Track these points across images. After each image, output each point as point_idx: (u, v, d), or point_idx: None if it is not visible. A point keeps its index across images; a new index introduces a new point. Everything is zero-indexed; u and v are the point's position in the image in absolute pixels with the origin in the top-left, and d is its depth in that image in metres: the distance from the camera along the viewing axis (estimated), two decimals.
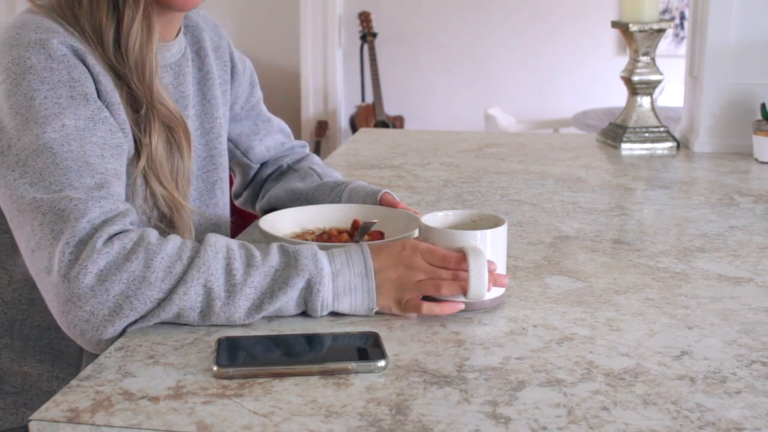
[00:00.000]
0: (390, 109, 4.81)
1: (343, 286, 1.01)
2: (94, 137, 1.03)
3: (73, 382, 0.87)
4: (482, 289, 1.00)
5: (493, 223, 1.10)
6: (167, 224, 1.17)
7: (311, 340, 0.97)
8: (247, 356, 0.92)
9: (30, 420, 0.80)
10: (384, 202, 1.33)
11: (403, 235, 1.18)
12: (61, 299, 0.95)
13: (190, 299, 0.96)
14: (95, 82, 1.08)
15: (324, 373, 0.89)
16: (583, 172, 1.86)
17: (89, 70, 1.07)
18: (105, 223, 0.97)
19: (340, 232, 1.26)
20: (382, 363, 0.90)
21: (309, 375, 0.89)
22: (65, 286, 0.94)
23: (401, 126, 4.80)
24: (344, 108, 4.92)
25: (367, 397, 0.84)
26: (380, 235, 1.24)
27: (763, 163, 1.95)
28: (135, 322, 0.97)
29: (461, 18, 4.77)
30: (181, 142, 1.17)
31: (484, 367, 0.91)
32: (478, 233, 1.05)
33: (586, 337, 0.99)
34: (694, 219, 1.50)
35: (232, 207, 1.55)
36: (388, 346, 0.95)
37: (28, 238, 0.98)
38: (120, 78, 1.11)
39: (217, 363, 0.89)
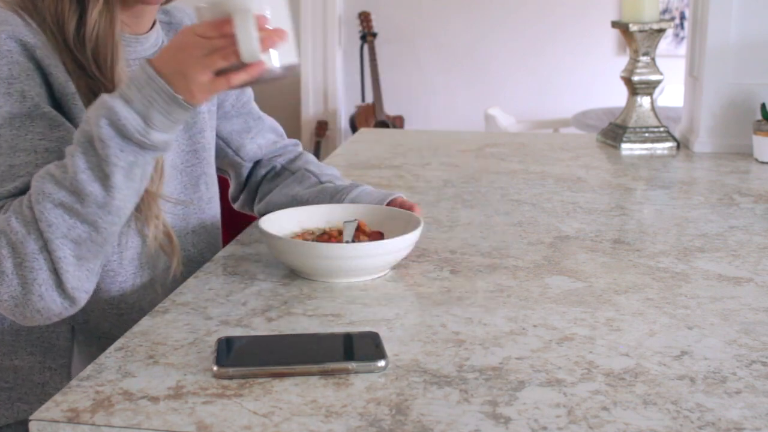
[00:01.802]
0: (390, 109, 4.81)
1: (141, 104, 0.99)
2: (29, 135, 1.06)
3: (73, 382, 0.87)
4: (252, 46, 0.97)
5: None
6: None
7: (311, 340, 0.97)
8: (247, 356, 0.92)
9: (30, 420, 0.80)
10: (395, 205, 1.32)
11: (404, 235, 1.18)
12: None
13: (59, 225, 0.99)
14: (46, 74, 1.09)
15: (324, 373, 0.89)
16: (583, 172, 1.86)
17: (39, 64, 1.09)
18: None
19: (340, 232, 1.25)
20: (382, 363, 0.90)
21: (309, 375, 0.89)
22: None
23: (401, 126, 4.80)
24: (344, 108, 4.92)
25: (367, 397, 0.84)
26: (380, 235, 1.25)
27: (763, 163, 1.95)
28: (56, 279, 1.00)
29: (461, 18, 4.77)
30: None
31: (484, 367, 0.91)
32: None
33: (586, 337, 0.99)
34: (694, 219, 1.50)
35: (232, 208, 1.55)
36: (388, 346, 0.95)
37: None
38: (80, 68, 1.12)
39: (217, 363, 0.89)
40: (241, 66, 0.99)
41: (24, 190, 1.04)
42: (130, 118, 0.98)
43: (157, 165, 1.18)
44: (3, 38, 1.07)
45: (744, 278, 1.20)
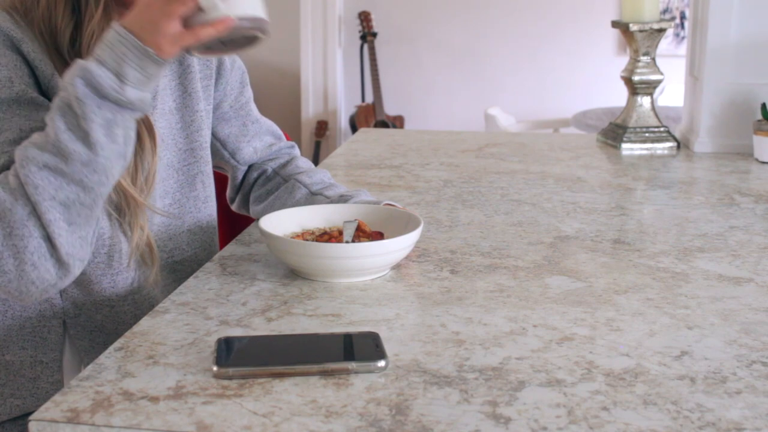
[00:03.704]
0: (390, 109, 4.81)
1: (113, 60, 1.00)
2: (15, 117, 1.06)
3: (73, 382, 0.87)
4: None
5: None
6: (118, 213, 1.19)
7: (311, 340, 0.97)
8: (246, 356, 0.92)
9: (30, 420, 0.80)
10: None
11: (404, 235, 1.18)
12: None
13: (45, 187, 0.98)
14: (32, 68, 1.10)
15: (324, 373, 0.89)
16: (583, 172, 1.86)
17: (25, 58, 1.09)
18: None
19: (340, 232, 1.25)
20: (382, 363, 0.90)
21: (309, 375, 0.89)
22: None
23: (401, 126, 4.80)
24: (344, 108, 4.92)
25: (367, 397, 0.84)
26: (380, 235, 1.25)
27: (763, 163, 1.95)
28: (48, 246, 0.99)
29: (461, 18, 4.78)
30: (144, 142, 1.17)
31: (484, 367, 0.91)
32: None
33: (586, 337, 0.99)
34: (694, 219, 1.50)
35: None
36: (388, 346, 0.95)
37: None
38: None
39: (217, 363, 0.89)
40: (209, 20, 1.01)
41: (8, 167, 1.03)
42: (104, 76, 0.99)
43: (149, 174, 1.19)
44: None
45: (744, 278, 1.20)
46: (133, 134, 1.04)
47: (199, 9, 1.01)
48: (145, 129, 1.17)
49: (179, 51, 1.03)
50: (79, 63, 1.01)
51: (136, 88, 1.01)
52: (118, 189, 1.16)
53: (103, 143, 1.00)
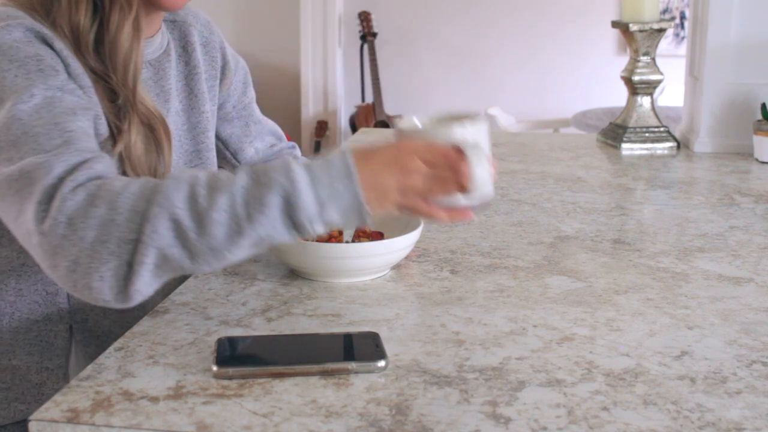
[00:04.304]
0: (390, 108, 4.81)
1: (327, 193, 0.92)
2: (64, 102, 1.03)
3: (73, 382, 0.87)
4: (487, 186, 0.97)
5: (471, 119, 1.03)
6: None
7: (311, 340, 0.97)
8: (246, 356, 0.92)
9: (30, 420, 0.80)
10: None
11: (403, 235, 1.18)
12: (47, 256, 0.93)
13: (162, 237, 0.91)
14: (65, 65, 1.08)
15: (324, 373, 0.89)
16: (583, 172, 1.86)
17: (58, 54, 1.08)
18: (69, 172, 0.95)
19: (340, 232, 1.25)
20: (382, 363, 0.90)
21: (309, 375, 0.88)
22: (46, 242, 0.92)
23: None
24: (344, 108, 4.92)
25: (367, 397, 0.84)
26: (380, 235, 1.24)
27: (763, 163, 1.94)
28: (125, 273, 0.92)
29: (461, 18, 4.77)
30: (161, 141, 1.17)
31: (484, 367, 0.91)
32: (467, 125, 0.99)
33: (586, 337, 0.99)
34: (694, 219, 1.50)
35: None
36: (388, 346, 0.95)
37: (10, 210, 0.97)
38: (95, 72, 1.11)
39: (217, 363, 0.89)
40: (451, 205, 0.98)
41: (69, 143, 0.98)
42: (308, 202, 0.92)
43: (165, 174, 1.18)
44: (20, 29, 1.05)
45: (744, 278, 1.20)
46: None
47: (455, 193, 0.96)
48: (161, 129, 1.16)
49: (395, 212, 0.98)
50: (291, 166, 0.93)
51: (324, 227, 0.94)
52: None
53: (245, 247, 0.93)
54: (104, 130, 1.12)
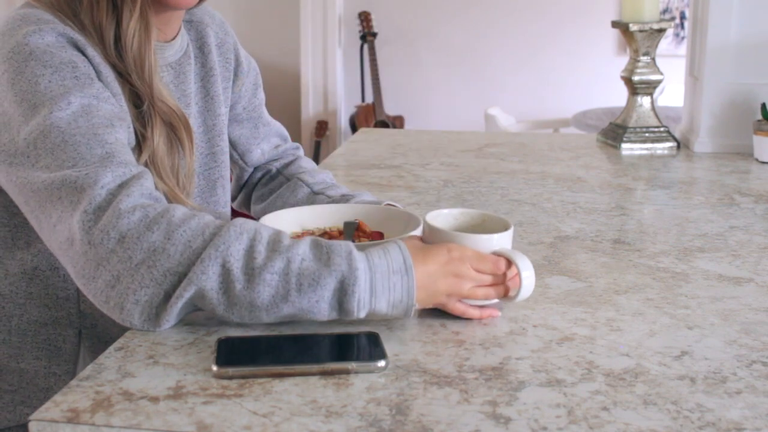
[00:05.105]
0: (390, 108, 4.81)
1: (382, 285, 0.96)
2: (101, 111, 1.04)
3: (73, 382, 0.87)
4: (530, 291, 1.03)
5: (499, 223, 1.10)
6: None
7: (311, 340, 0.97)
8: (246, 356, 0.92)
9: (30, 420, 0.80)
10: None
11: (404, 235, 1.18)
12: (89, 265, 0.94)
13: (209, 279, 0.93)
14: (96, 72, 1.08)
15: (324, 373, 0.89)
16: (583, 172, 1.86)
17: (90, 62, 1.08)
18: (121, 187, 0.97)
19: (340, 232, 1.25)
20: (382, 363, 0.90)
21: (309, 375, 0.88)
22: (92, 251, 0.94)
23: (401, 126, 4.80)
24: (344, 108, 4.92)
25: (367, 397, 0.84)
26: (380, 235, 1.24)
27: (763, 163, 1.95)
28: (160, 301, 0.94)
29: (461, 18, 4.77)
30: (183, 139, 1.17)
31: (484, 367, 0.91)
32: (505, 235, 1.06)
33: (586, 337, 0.99)
34: (694, 219, 1.50)
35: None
36: (388, 346, 0.95)
37: (49, 217, 0.98)
38: (121, 75, 1.12)
39: (217, 363, 0.89)
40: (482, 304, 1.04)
41: (112, 154, 0.99)
42: (363, 289, 0.94)
43: (188, 172, 1.18)
44: (52, 34, 1.06)
45: (744, 278, 1.20)
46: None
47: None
48: (182, 127, 1.17)
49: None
50: (353, 253, 0.96)
51: (367, 314, 0.97)
52: (167, 194, 1.14)
53: (279, 317, 0.96)
54: (133, 139, 1.13)
